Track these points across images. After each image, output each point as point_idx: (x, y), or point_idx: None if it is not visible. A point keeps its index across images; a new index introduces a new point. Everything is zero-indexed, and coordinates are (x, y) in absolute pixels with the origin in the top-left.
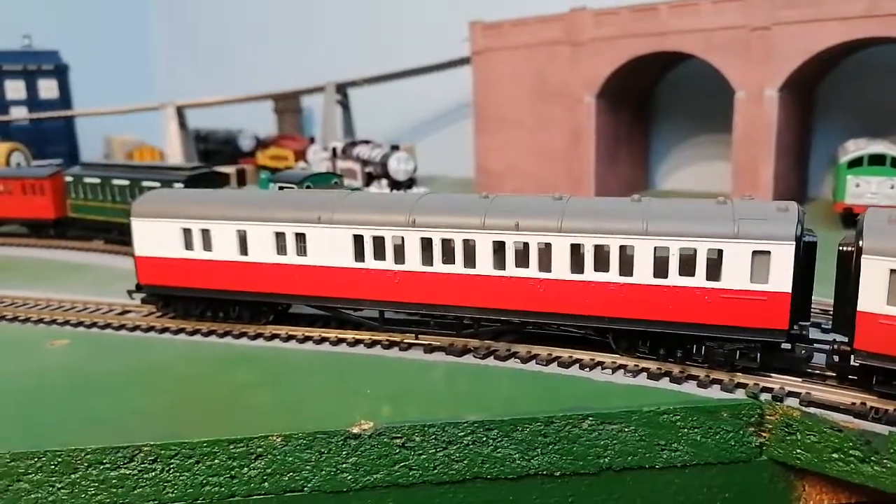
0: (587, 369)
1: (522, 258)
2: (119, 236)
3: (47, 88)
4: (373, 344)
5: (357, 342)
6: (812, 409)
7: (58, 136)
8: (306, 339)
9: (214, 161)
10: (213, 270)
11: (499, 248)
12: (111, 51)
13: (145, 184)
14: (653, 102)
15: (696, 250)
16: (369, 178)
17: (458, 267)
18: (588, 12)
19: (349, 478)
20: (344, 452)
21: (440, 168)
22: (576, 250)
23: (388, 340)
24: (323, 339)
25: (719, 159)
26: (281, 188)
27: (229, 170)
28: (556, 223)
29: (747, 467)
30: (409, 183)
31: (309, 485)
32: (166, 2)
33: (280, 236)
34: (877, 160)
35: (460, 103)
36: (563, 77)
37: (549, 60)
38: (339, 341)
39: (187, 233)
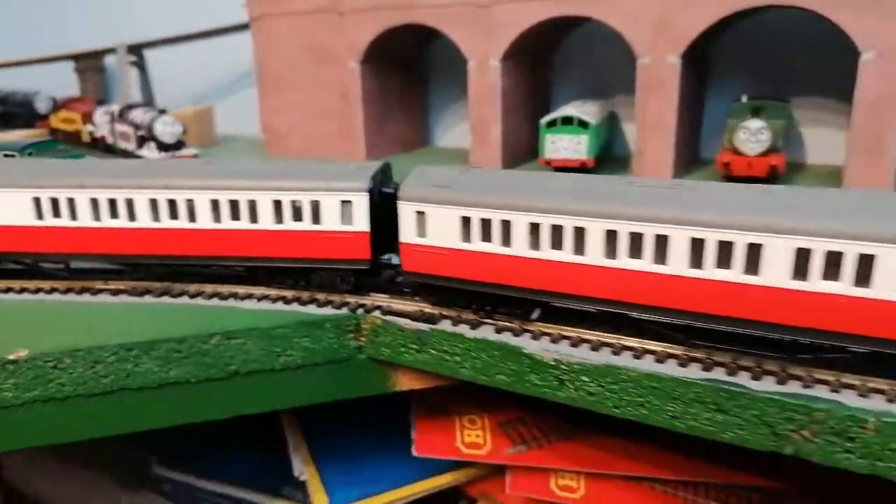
0: (241, 299)
1: (176, 210)
2: None
3: None
4: (67, 291)
5: (53, 290)
6: (389, 317)
7: None
8: (8, 290)
9: (14, 124)
10: None
11: (153, 203)
12: None
13: None
14: (425, 67)
15: (304, 202)
16: (142, 141)
17: (122, 221)
18: None
19: (11, 395)
20: (3, 375)
21: (243, 127)
22: (216, 205)
23: (81, 287)
24: (23, 290)
25: None
26: (6, 156)
27: None
28: (201, 182)
29: (350, 364)
30: (178, 145)
31: None
32: None
33: None
34: (567, 121)
35: None
36: (331, 43)
37: (319, 27)
38: (38, 290)
39: None
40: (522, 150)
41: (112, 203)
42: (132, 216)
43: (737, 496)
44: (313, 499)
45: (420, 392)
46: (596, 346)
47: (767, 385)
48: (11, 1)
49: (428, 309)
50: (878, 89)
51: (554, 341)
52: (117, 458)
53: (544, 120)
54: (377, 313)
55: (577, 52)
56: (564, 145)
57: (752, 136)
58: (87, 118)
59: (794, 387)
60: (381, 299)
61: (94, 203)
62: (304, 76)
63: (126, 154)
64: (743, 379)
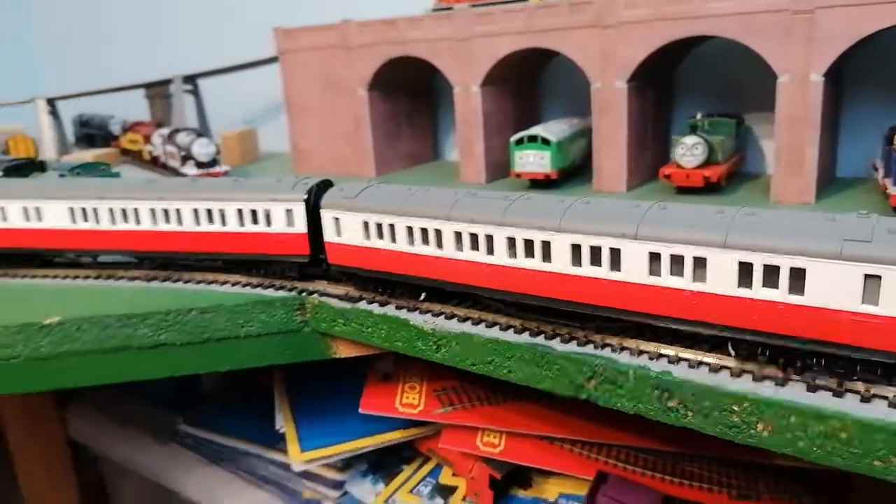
0: (219, 284)
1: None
2: None
3: None
4: (97, 277)
5: (87, 277)
6: (325, 298)
7: None
8: (55, 277)
9: (94, 144)
10: None
11: (152, 212)
12: None
13: None
14: (432, 90)
15: (259, 210)
16: (184, 160)
17: (131, 225)
18: (353, 24)
19: (46, 350)
20: (41, 335)
21: (285, 146)
22: (196, 213)
23: (107, 275)
24: (66, 277)
25: None
26: (61, 175)
27: None
28: (185, 195)
29: (299, 334)
30: (212, 163)
31: (22, 355)
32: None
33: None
34: (532, 139)
35: None
36: (343, 74)
37: (332, 60)
38: (76, 277)
39: None
40: (501, 166)
41: (124, 211)
42: (138, 221)
43: (635, 457)
44: (289, 447)
45: (376, 363)
46: (462, 319)
47: (570, 347)
48: (95, 38)
49: (352, 292)
50: (795, 107)
51: (435, 315)
52: (152, 418)
53: (513, 138)
54: (316, 295)
55: (563, 76)
56: (530, 160)
57: (688, 150)
58: (147, 140)
59: (588, 349)
60: (321, 285)
61: (111, 211)
62: (322, 102)
63: (174, 171)
64: (555, 343)
